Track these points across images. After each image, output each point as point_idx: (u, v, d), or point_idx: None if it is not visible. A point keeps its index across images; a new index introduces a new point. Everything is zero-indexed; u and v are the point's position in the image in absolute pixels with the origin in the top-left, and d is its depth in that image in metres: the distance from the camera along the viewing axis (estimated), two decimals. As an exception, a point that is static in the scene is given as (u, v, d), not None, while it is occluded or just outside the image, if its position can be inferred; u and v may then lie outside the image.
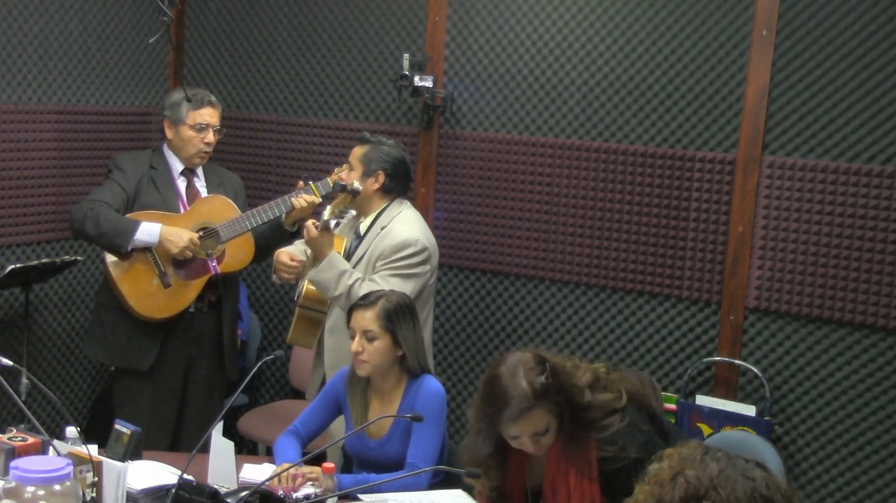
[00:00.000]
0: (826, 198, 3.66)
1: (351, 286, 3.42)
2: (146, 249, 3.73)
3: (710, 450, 1.75)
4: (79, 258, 4.24)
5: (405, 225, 3.56)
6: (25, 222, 4.25)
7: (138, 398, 3.89)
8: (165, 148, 3.93)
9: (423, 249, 3.52)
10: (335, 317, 3.57)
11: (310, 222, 3.51)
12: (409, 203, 3.69)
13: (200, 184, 3.96)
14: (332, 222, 3.52)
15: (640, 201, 3.97)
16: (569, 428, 2.51)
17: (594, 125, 4.05)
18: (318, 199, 3.67)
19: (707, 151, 3.86)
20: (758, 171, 3.76)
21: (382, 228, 3.56)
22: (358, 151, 3.64)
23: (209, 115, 3.87)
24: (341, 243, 3.68)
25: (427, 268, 3.55)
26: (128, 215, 3.75)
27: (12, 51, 4.12)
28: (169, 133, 3.89)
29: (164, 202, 3.84)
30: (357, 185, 3.53)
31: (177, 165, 3.91)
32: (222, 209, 3.86)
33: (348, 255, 3.61)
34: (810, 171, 3.68)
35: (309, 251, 3.62)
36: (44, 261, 4.07)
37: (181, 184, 3.92)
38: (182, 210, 3.85)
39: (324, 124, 4.57)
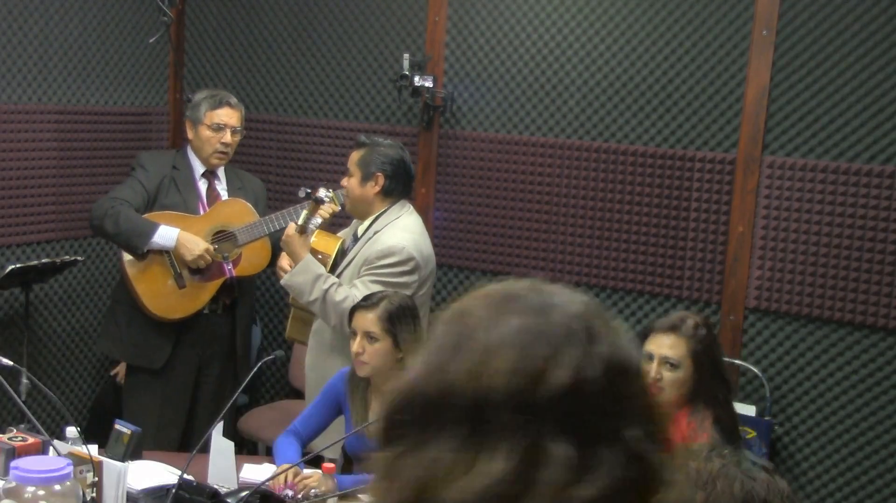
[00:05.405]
0: (826, 198, 3.66)
1: (326, 290, 3.36)
2: (163, 250, 3.76)
3: (719, 447, 1.75)
4: (79, 258, 4.24)
5: (397, 231, 3.46)
6: (25, 222, 4.24)
7: (148, 397, 3.91)
8: (189, 149, 3.96)
9: (409, 259, 3.41)
10: (321, 320, 3.54)
11: (291, 223, 3.49)
12: (411, 207, 3.61)
13: (221, 186, 3.98)
14: (312, 226, 3.48)
15: (640, 201, 3.97)
16: None
17: (594, 125, 4.05)
18: (338, 207, 3.63)
19: (707, 151, 3.86)
20: (758, 171, 3.76)
21: (376, 233, 3.49)
22: (355, 156, 3.58)
23: (227, 116, 3.89)
24: (336, 243, 3.66)
25: (413, 278, 3.43)
26: (146, 215, 3.78)
27: (12, 51, 4.11)
28: (190, 134, 3.93)
29: (184, 203, 3.86)
30: (323, 194, 3.46)
31: (198, 167, 3.94)
32: (241, 213, 3.87)
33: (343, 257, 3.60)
34: (810, 171, 3.68)
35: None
36: (44, 261, 4.07)
37: (202, 185, 3.94)
38: (201, 212, 3.87)
39: (324, 124, 4.57)
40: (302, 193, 3.52)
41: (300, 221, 3.44)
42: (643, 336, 2.82)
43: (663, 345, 2.74)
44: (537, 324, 0.96)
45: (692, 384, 2.73)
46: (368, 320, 3.01)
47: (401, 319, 3.02)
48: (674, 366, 2.72)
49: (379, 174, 3.51)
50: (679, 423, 2.73)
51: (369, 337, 3.00)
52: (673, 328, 2.76)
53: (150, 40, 4.38)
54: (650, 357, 2.76)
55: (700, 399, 2.73)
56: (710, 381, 2.73)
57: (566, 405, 0.92)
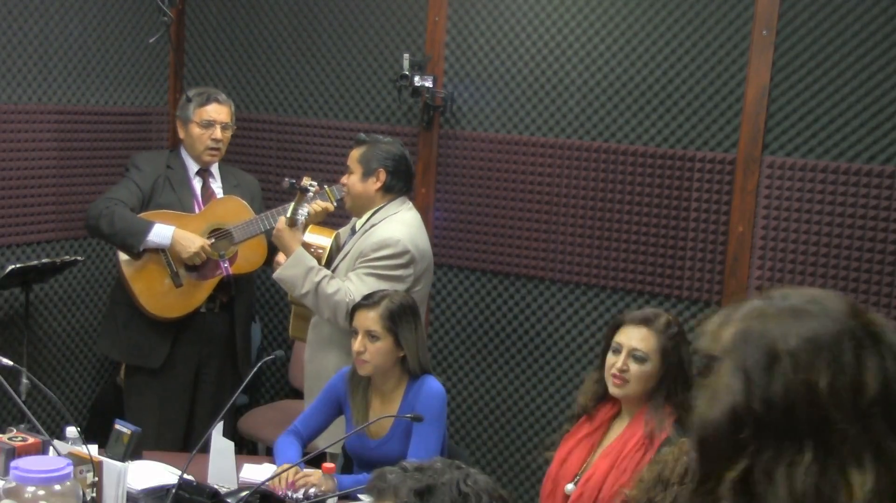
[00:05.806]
0: (826, 198, 3.66)
1: (318, 283, 3.35)
2: (159, 249, 3.76)
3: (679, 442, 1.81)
4: (79, 258, 4.24)
5: (393, 225, 3.46)
6: (25, 222, 4.24)
7: (148, 396, 3.91)
8: (182, 149, 3.97)
9: (405, 252, 3.40)
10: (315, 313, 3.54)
11: (281, 217, 3.49)
12: (410, 204, 3.61)
13: (216, 184, 3.99)
14: (300, 217, 3.47)
15: (640, 201, 3.97)
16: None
17: (594, 125, 4.05)
18: (332, 206, 3.63)
19: (707, 151, 3.86)
20: (758, 171, 3.76)
21: (373, 226, 3.49)
22: (356, 153, 3.59)
23: (215, 112, 3.90)
24: (331, 237, 3.66)
25: (408, 272, 3.42)
26: (142, 214, 3.79)
27: (12, 51, 4.11)
28: (181, 133, 3.95)
29: (180, 202, 3.87)
30: (308, 183, 3.45)
31: (192, 166, 3.95)
32: (237, 210, 3.87)
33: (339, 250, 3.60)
34: (810, 171, 3.68)
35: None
36: (44, 261, 4.07)
37: (197, 184, 3.95)
38: (197, 210, 3.88)
39: (324, 124, 4.57)
40: (286, 184, 3.50)
41: (288, 214, 3.44)
42: (613, 328, 2.79)
43: (634, 338, 2.72)
44: (829, 333, 1.05)
45: (656, 381, 2.71)
46: (370, 319, 3.01)
47: (402, 318, 3.02)
48: (642, 359, 2.70)
49: (381, 170, 3.51)
50: (640, 422, 2.71)
51: (370, 335, 3.00)
52: (645, 321, 2.73)
53: (150, 40, 4.38)
54: (618, 349, 2.74)
55: (661, 396, 2.70)
56: (674, 381, 2.70)
57: (884, 406, 1.02)
